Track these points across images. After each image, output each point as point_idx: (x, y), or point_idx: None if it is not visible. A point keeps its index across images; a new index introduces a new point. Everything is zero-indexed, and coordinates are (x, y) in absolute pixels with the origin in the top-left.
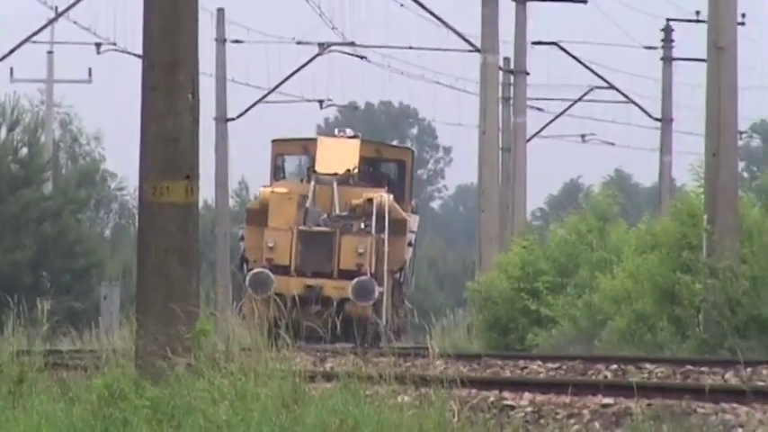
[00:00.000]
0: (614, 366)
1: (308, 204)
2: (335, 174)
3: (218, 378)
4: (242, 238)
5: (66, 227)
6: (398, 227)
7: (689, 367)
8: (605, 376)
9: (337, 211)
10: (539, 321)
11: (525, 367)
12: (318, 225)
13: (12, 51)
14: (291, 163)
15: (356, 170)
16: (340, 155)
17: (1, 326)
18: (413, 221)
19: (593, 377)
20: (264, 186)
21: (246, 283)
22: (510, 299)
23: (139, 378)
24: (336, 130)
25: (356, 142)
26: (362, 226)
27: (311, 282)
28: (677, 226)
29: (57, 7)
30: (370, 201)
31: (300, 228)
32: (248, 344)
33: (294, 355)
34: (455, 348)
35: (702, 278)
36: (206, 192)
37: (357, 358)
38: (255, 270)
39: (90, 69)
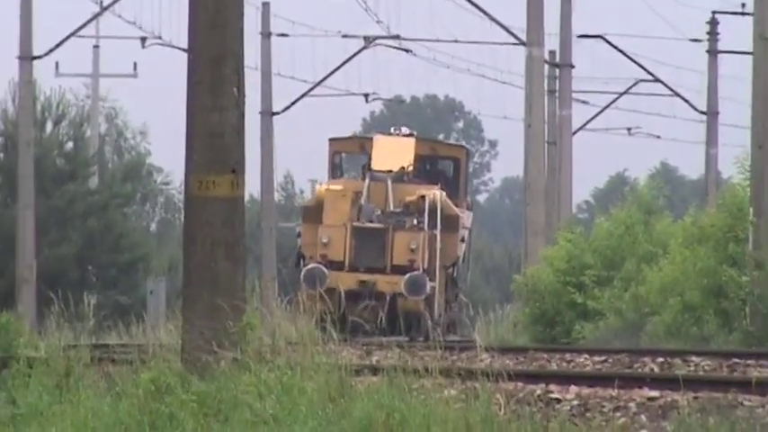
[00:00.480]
0: (660, 359)
1: (362, 201)
2: (390, 171)
3: (264, 372)
4: (299, 235)
5: (111, 221)
6: (451, 223)
7: (735, 360)
8: (651, 369)
9: (391, 208)
10: (585, 314)
11: (571, 360)
12: (372, 221)
13: (57, 46)
14: (349, 160)
15: (411, 168)
16: (395, 153)
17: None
18: (466, 218)
19: (640, 370)
20: (320, 183)
21: (301, 278)
22: (556, 292)
23: (186, 373)
24: (392, 129)
25: (411, 140)
26: (415, 222)
27: (365, 277)
28: (723, 218)
29: (102, 1)
30: (422, 197)
31: (354, 224)
32: (295, 338)
33: (340, 349)
34: (501, 342)
35: (749, 271)
36: (252, 185)
37: (403, 352)
38: (310, 266)
39: (135, 63)
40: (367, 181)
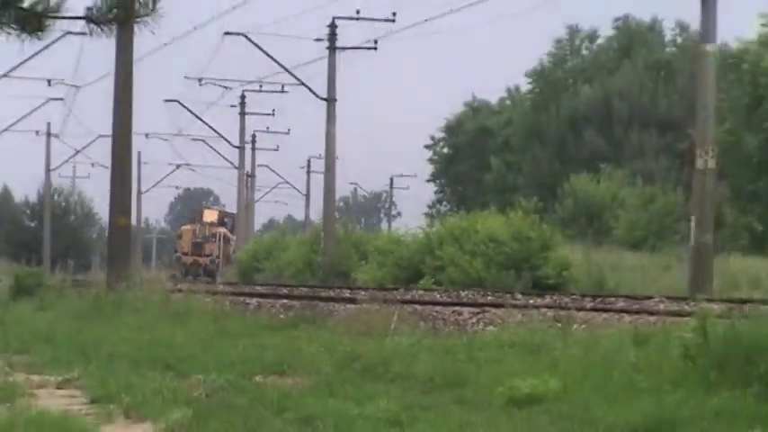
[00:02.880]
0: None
1: (197, 231)
2: (209, 221)
3: (137, 292)
4: (176, 243)
5: (83, 236)
6: (227, 241)
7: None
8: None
9: (207, 235)
10: None
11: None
12: (198, 239)
13: None
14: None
15: (216, 219)
16: (212, 214)
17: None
18: (233, 239)
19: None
20: (184, 226)
21: (174, 258)
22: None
23: (108, 290)
24: (213, 206)
25: (216, 211)
26: (214, 240)
27: (196, 259)
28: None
29: None
30: (220, 231)
31: (193, 240)
32: (149, 279)
33: (166, 283)
34: (229, 280)
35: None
36: (135, 220)
37: (193, 283)
38: (176, 254)
39: None
40: (198, 225)
